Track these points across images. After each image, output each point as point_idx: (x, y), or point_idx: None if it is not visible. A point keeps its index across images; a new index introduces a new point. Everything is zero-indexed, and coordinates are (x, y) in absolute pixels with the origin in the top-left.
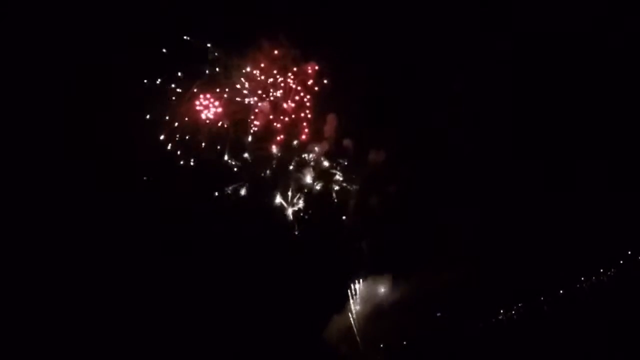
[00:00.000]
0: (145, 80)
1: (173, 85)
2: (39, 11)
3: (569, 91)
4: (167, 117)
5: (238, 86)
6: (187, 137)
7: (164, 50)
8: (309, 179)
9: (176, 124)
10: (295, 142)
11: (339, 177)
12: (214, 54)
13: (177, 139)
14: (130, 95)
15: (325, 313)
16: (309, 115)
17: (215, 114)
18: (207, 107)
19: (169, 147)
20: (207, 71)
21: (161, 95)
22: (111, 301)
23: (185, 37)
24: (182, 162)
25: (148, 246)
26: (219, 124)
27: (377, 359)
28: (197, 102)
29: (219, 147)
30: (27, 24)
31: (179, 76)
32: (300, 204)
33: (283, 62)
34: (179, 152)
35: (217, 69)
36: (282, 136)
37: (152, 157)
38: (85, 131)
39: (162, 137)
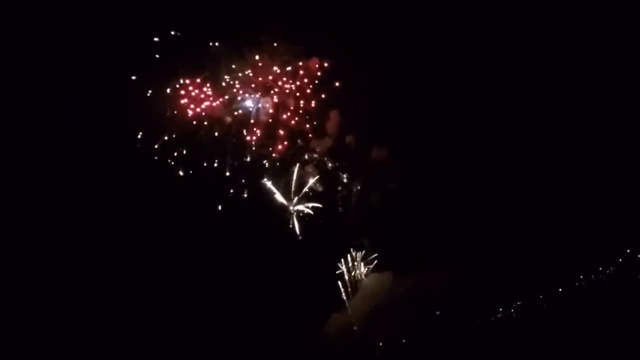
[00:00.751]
0: (146, 78)
1: (174, 83)
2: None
3: (568, 93)
4: (167, 116)
5: (239, 83)
6: (188, 136)
7: (165, 47)
8: (310, 177)
9: (177, 125)
10: (298, 140)
11: (340, 175)
12: (216, 50)
13: (178, 138)
14: (131, 93)
15: (325, 310)
16: (312, 113)
17: (217, 111)
18: (202, 102)
19: (169, 146)
20: (208, 67)
21: (161, 93)
22: (116, 302)
23: (186, 33)
24: (184, 160)
25: (150, 248)
26: (221, 122)
27: (376, 356)
28: (199, 99)
29: (221, 145)
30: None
31: (180, 73)
32: (302, 202)
33: (286, 58)
34: (181, 151)
35: (219, 66)
36: (283, 135)
37: (152, 155)
38: (86, 131)
39: (162, 137)
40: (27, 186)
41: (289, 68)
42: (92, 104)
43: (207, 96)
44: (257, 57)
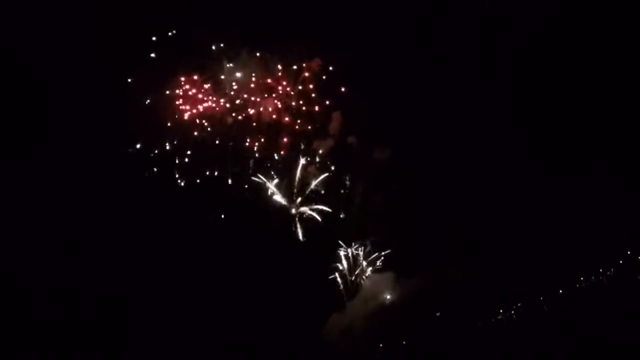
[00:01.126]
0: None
1: (174, 85)
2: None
3: (568, 93)
4: (167, 119)
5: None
6: (189, 140)
7: (166, 47)
8: (313, 178)
9: (179, 124)
10: (300, 143)
11: (342, 176)
12: (218, 51)
13: (179, 142)
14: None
15: (325, 311)
16: (314, 115)
17: (218, 114)
18: (202, 104)
19: (168, 146)
20: (208, 68)
21: (161, 95)
22: (118, 307)
23: (186, 33)
24: (185, 166)
25: (151, 249)
26: (222, 125)
27: (376, 357)
28: (199, 102)
29: (222, 148)
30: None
31: (180, 74)
32: (304, 203)
33: (287, 59)
34: (182, 158)
35: (219, 67)
36: (285, 137)
37: (152, 155)
38: (89, 131)
39: (164, 143)
40: (26, 193)
41: (294, 67)
42: (92, 105)
43: (208, 99)
44: (257, 55)
